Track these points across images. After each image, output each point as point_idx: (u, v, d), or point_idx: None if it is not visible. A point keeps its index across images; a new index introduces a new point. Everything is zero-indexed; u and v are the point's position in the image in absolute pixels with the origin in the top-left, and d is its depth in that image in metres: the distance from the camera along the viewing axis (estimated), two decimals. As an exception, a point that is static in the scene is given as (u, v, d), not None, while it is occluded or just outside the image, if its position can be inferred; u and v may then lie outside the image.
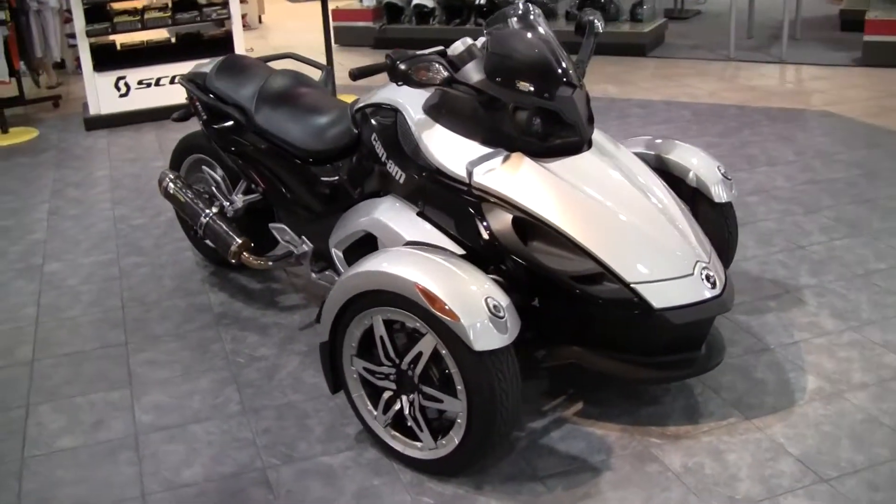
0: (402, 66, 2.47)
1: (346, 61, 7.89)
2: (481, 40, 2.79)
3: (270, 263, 3.35)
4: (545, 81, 2.61)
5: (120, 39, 6.62)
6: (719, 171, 3.13)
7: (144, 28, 6.28)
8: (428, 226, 2.73)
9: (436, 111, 2.78)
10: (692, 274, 2.54)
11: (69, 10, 6.15)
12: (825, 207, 4.23)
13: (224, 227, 3.42)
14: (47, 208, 4.78)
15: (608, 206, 2.58)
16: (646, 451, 2.58)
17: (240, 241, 3.38)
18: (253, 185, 3.49)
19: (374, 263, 2.43)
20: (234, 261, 3.40)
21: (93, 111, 6.29)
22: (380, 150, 2.93)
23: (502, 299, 2.32)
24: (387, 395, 2.52)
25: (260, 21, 10.59)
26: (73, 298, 3.74)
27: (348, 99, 3.60)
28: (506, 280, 2.58)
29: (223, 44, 6.54)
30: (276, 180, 3.32)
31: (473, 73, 2.66)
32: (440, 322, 2.27)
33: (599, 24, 3.04)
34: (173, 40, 6.67)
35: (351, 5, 9.02)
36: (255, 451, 2.69)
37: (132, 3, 6.53)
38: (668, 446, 2.60)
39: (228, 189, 3.67)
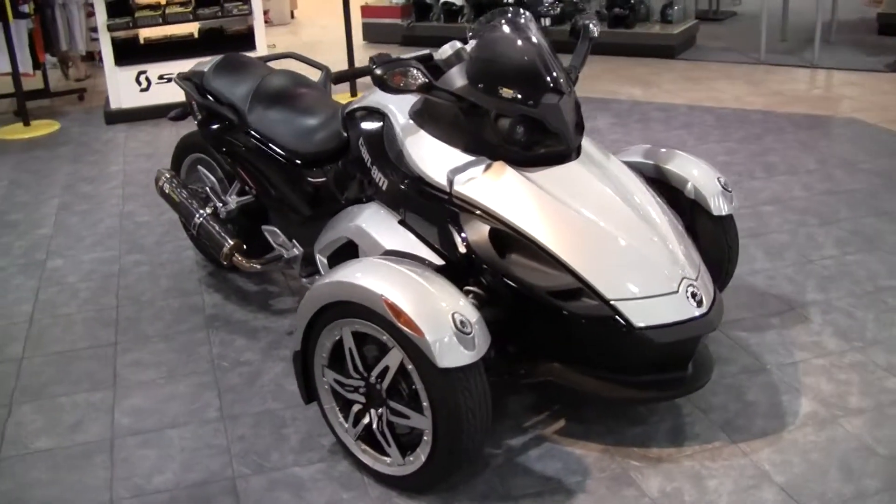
0: (378, 72, 2.40)
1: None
2: (472, 44, 2.72)
3: (258, 267, 3.31)
4: (529, 88, 2.54)
5: (143, 34, 6.65)
6: (719, 182, 3.02)
7: (166, 23, 6.30)
8: (409, 235, 2.67)
9: (421, 117, 2.72)
10: (677, 291, 2.44)
11: (91, 4, 6.18)
12: (842, 219, 4.08)
13: (217, 228, 3.39)
14: (57, 203, 4.81)
15: (591, 218, 2.49)
16: (624, 475, 2.49)
17: (231, 242, 3.34)
18: (246, 187, 3.46)
19: (344, 274, 2.37)
20: (225, 262, 3.37)
21: (113, 105, 6.33)
22: (365, 155, 2.87)
23: (471, 315, 2.24)
24: (356, 408, 2.47)
25: (292, 16, 10.60)
26: (70, 295, 3.74)
27: (347, 100, 3.55)
28: (485, 293, 2.51)
29: (245, 39, 6.54)
30: (267, 182, 3.28)
31: (457, 78, 2.59)
32: (406, 336, 2.21)
33: (595, 29, 2.96)
34: (196, 35, 6.67)
35: (380, 2, 8.98)
36: (228, 459, 2.65)
37: (155, -2, 6.56)
38: (648, 469, 2.51)
39: (225, 189, 3.64)
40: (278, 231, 3.33)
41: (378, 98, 2.89)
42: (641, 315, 2.39)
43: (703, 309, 2.46)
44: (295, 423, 2.79)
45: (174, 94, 6.31)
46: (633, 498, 2.40)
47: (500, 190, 2.51)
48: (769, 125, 5.51)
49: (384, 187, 2.77)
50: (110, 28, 6.11)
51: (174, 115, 3.75)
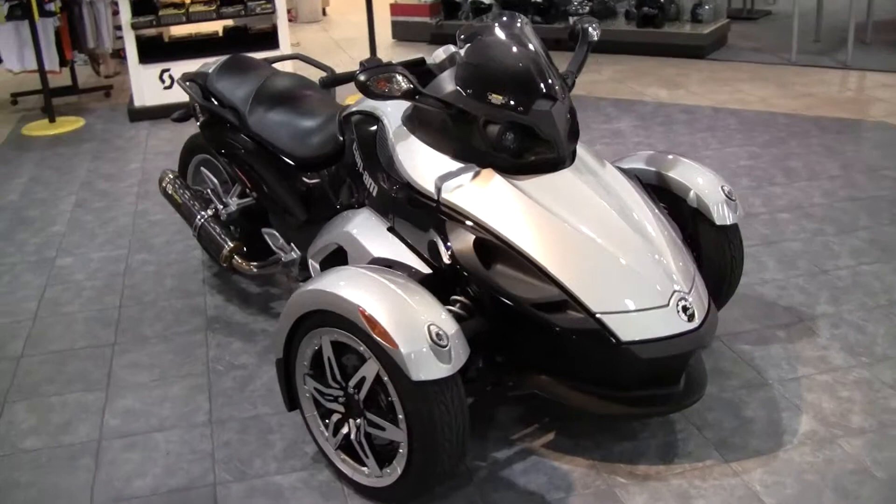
0: (361, 77, 2.36)
1: (398, 57, 7.81)
2: (462, 48, 2.67)
3: (255, 270, 3.29)
4: (519, 93, 2.48)
5: (169, 32, 6.69)
6: (723, 190, 2.93)
7: (189, 21, 6.32)
8: (397, 243, 2.63)
9: (412, 122, 2.68)
10: (667, 305, 2.37)
11: (116, 2, 6.23)
12: (861, 228, 3.96)
13: (217, 230, 3.39)
14: (74, 200, 4.85)
15: (579, 229, 2.43)
16: (609, 492, 2.43)
17: (231, 245, 3.33)
18: (247, 189, 3.45)
19: (324, 282, 2.34)
20: (224, 264, 3.37)
21: (137, 103, 6.37)
22: (358, 160, 2.84)
23: (448, 327, 2.19)
24: (335, 417, 2.43)
25: (324, 13, 10.61)
26: (75, 294, 3.76)
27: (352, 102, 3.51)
28: (471, 303, 2.46)
29: (269, 38, 6.55)
30: (265, 185, 3.26)
31: (447, 83, 2.54)
32: (381, 348, 2.17)
33: (594, 33, 2.88)
34: (220, 34, 6.69)
35: (409, 0, 8.94)
36: (211, 464, 2.63)
37: (179, -4, 6.59)
38: (634, 487, 2.44)
39: (227, 191, 3.63)
40: (277, 234, 3.32)
41: (374, 102, 2.85)
42: (628, 329, 2.32)
43: (695, 324, 2.38)
44: (282, 430, 2.76)
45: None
46: (616, 517, 2.34)
47: (486, 198, 2.46)
48: (795, 129, 5.37)
49: (374, 193, 2.74)
50: (134, 26, 6.15)
51: (177, 116, 3.75)
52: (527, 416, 2.76)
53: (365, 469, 2.41)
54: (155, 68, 6.32)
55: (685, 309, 2.38)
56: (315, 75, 3.54)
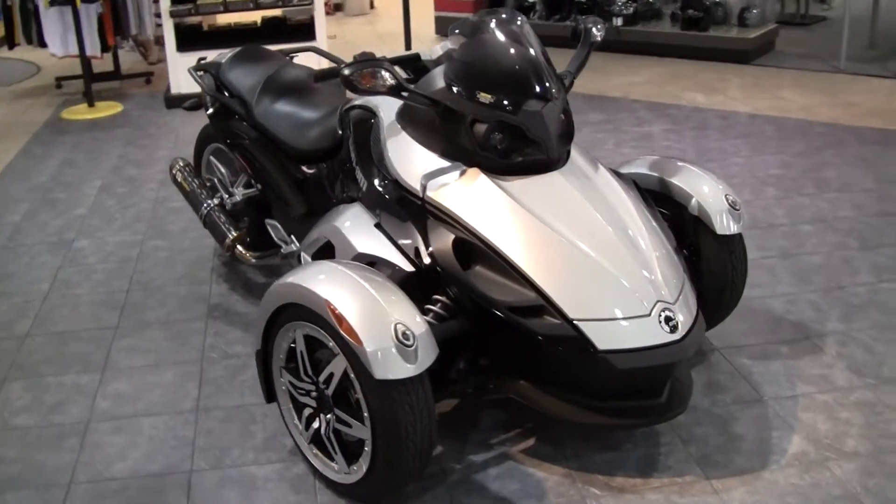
0: (346, 72, 2.35)
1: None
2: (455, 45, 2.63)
3: (254, 260, 3.31)
4: (508, 93, 2.43)
5: (207, 21, 6.76)
6: (727, 199, 2.84)
7: (227, 11, 6.38)
8: (382, 239, 2.60)
9: (403, 118, 2.65)
10: (648, 315, 2.30)
11: (155, -9, 6.33)
12: (886, 244, 3.82)
13: (222, 219, 3.41)
14: (100, 184, 4.93)
15: (563, 233, 2.37)
16: (581, 502, 2.37)
17: (234, 234, 3.35)
18: (252, 180, 3.46)
19: (299, 276, 2.33)
20: (227, 253, 3.39)
21: (174, 90, 6.45)
22: (353, 154, 2.82)
23: (416, 327, 2.16)
24: (307, 411, 2.42)
25: (371, 6, 10.62)
26: (85, 276, 3.82)
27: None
28: (453, 304, 2.43)
29: (307, 29, 6.58)
30: (268, 176, 3.27)
31: (437, 80, 2.51)
32: (348, 344, 2.15)
33: (598, 33, 2.82)
34: (258, 24, 6.75)
35: (454, -5, 8.91)
36: (190, 451, 2.64)
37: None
38: (608, 499, 2.38)
39: (234, 181, 3.65)
40: (279, 226, 3.32)
41: (372, 97, 2.83)
42: (605, 337, 2.26)
43: (677, 336, 2.31)
44: (264, 421, 2.77)
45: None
46: (585, 528, 2.29)
47: (470, 198, 2.42)
48: (832, 138, 5.21)
49: (365, 188, 2.72)
50: (173, 14, 6.23)
51: (189, 105, 3.78)
52: (509, 420, 2.72)
53: (334, 465, 2.39)
54: (192, 57, 6.34)
55: (668, 320, 2.31)
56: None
